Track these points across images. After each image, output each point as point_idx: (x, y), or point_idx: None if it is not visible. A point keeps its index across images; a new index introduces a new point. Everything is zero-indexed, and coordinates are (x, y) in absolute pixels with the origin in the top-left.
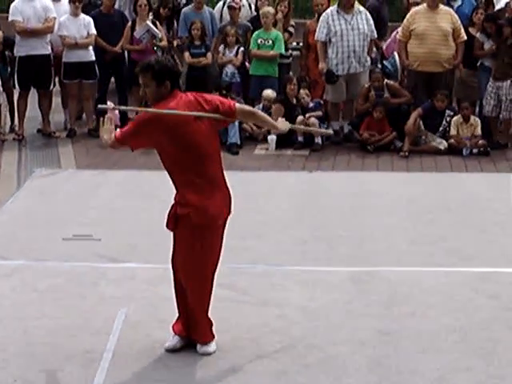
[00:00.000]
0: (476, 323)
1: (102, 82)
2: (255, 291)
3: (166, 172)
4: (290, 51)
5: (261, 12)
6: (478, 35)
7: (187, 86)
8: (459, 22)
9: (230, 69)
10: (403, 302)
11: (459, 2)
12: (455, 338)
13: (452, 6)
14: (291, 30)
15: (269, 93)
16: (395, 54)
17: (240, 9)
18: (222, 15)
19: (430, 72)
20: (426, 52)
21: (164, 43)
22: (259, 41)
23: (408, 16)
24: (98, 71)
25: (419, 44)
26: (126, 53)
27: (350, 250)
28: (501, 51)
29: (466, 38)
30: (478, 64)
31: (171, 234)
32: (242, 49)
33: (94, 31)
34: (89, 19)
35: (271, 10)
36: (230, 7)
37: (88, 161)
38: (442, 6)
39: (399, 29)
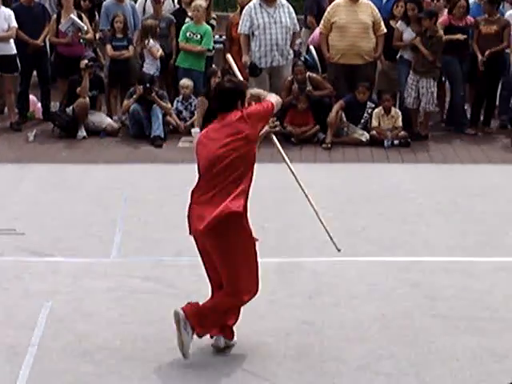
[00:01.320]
0: (398, 312)
1: (23, 75)
2: (180, 283)
3: (89, 165)
4: (212, 44)
5: (192, 5)
6: (397, 24)
7: (110, 79)
8: (379, 14)
9: (150, 61)
10: (327, 292)
11: None
12: (378, 327)
13: (381, 0)
14: (213, 22)
15: (185, 81)
16: (311, 47)
17: (163, 2)
18: (144, 8)
19: (351, 64)
20: (346, 45)
21: (90, 36)
22: (188, 34)
23: (329, 9)
24: (19, 64)
25: (340, 37)
26: (47, 46)
27: (273, 241)
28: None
29: (385, 30)
30: (398, 56)
31: (93, 227)
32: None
33: (14, 24)
34: (9, 12)
35: (203, 3)
36: (154, 0)
37: (10, 154)
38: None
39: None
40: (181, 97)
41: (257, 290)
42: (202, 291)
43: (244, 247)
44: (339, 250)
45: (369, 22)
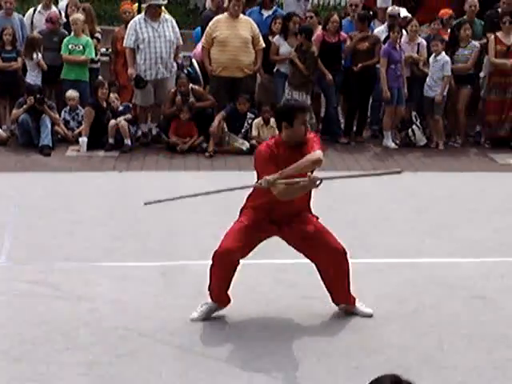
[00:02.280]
0: (277, 311)
1: None
2: (68, 287)
3: None
4: (99, 56)
5: (70, 19)
6: (274, 39)
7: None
8: (258, 30)
9: (35, 73)
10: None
11: (270, 12)
12: (258, 326)
13: (262, 15)
14: (98, 36)
15: (71, 93)
16: (193, 60)
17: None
18: (32, 21)
19: (232, 77)
20: (227, 58)
21: None
22: (70, 46)
23: (210, 24)
24: None
25: (221, 51)
26: None
27: (159, 245)
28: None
29: (264, 45)
30: (275, 70)
31: None
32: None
33: None
34: None
35: (81, 16)
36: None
37: None
38: (241, 16)
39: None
40: (68, 108)
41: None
42: (89, 294)
43: None
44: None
45: (248, 36)
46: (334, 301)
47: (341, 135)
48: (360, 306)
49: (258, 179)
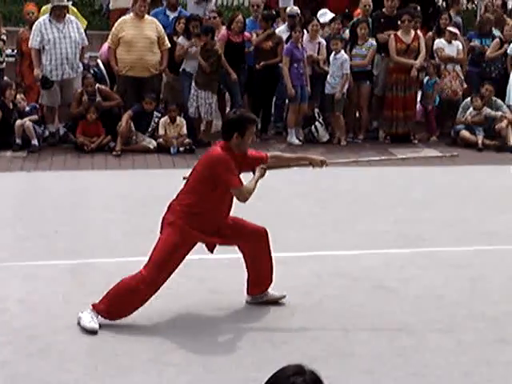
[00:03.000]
0: (186, 306)
1: None
2: None
3: None
4: (3, 58)
5: None
6: (179, 39)
7: None
8: (163, 31)
9: None
10: None
11: (176, 14)
12: (167, 321)
13: (168, 16)
14: (4, 37)
15: None
16: (99, 61)
17: None
18: None
19: (138, 77)
20: (134, 58)
21: None
22: None
23: (116, 24)
24: None
25: (127, 51)
26: None
27: (68, 244)
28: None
29: (169, 45)
30: (181, 69)
31: None
32: None
33: None
34: None
35: None
36: None
37: None
38: (147, 16)
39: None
40: None
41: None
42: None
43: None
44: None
45: (154, 37)
46: (248, 291)
47: None
48: (272, 291)
49: (216, 185)
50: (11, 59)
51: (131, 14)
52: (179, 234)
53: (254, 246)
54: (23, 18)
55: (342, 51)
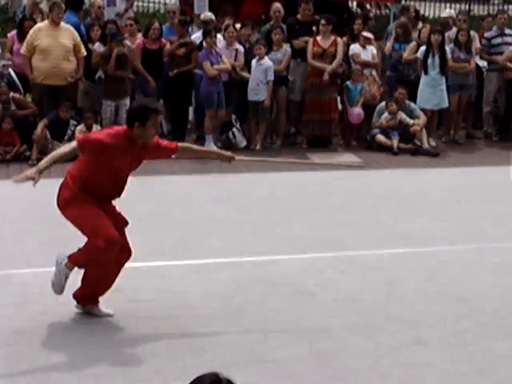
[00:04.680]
0: (103, 316)
1: None
2: None
3: None
4: None
5: None
6: (95, 46)
7: None
8: (79, 38)
9: None
10: (35, 301)
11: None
12: (84, 331)
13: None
14: None
15: None
16: (10, 70)
17: None
18: None
19: (54, 85)
20: (49, 66)
21: None
22: None
23: (31, 32)
24: None
25: (43, 59)
26: None
27: None
28: None
29: (85, 53)
30: (96, 77)
31: None
32: None
33: None
34: None
35: None
36: None
37: None
38: (62, 24)
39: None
40: None
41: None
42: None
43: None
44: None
45: (70, 45)
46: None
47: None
48: (102, 307)
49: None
50: None
51: (46, 22)
52: (78, 202)
53: (117, 263)
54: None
55: (266, 57)
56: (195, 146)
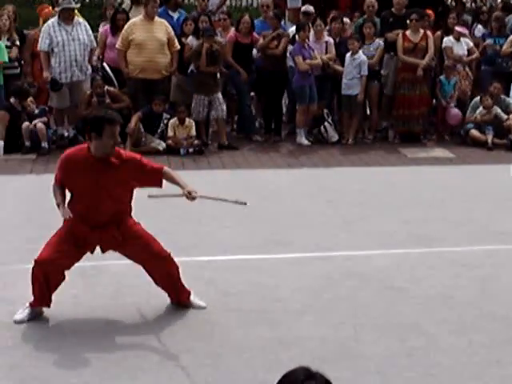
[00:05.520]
0: (196, 308)
1: None
2: None
3: None
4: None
5: None
6: (188, 40)
7: None
8: (173, 32)
9: None
10: (128, 293)
11: (178, 15)
12: (177, 323)
13: (172, 17)
14: (17, 42)
15: None
16: (104, 64)
17: None
18: None
19: (149, 79)
20: (144, 60)
21: None
22: None
23: (126, 26)
24: None
25: (138, 53)
26: None
27: None
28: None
29: (179, 46)
30: (189, 70)
31: None
32: None
33: None
34: None
35: None
36: None
37: None
38: (157, 18)
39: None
40: None
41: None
42: (8, 297)
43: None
44: (245, 203)
45: (164, 39)
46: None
47: (255, 133)
48: (194, 299)
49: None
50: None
51: (141, 16)
52: (64, 226)
53: (154, 270)
54: (33, 20)
55: (360, 52)
56: (176, 177)
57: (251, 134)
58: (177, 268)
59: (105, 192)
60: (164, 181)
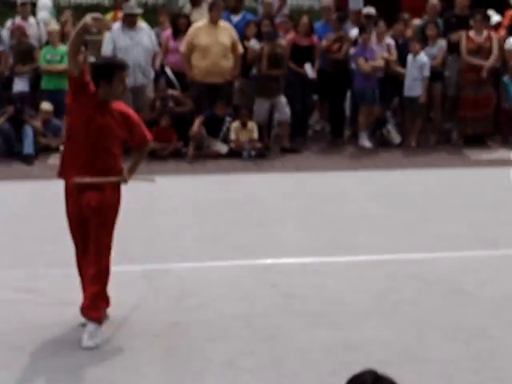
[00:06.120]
0: (259, 311)
1: None
2: (52, 293)
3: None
4: None
5: (47, 30)
6: (250, 43)
7: None
8: (237, 36)
9: (21, 82)
10: (192, 295)
11: (239, 17)
12: (240, 325)
13: (231, 21)
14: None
15: (44, 105)
16: (167, 68)
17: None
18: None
19: (212, 83)
20: (208, 65)
21: None
22: (48, 56)
23: (190, 31)
24: None
25: (202, 57)
26: None
27: (141, 249)
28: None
29: (242, 50)
30: (251, 74)
31: None
32: None
33: None
34: None
35: (55, 27)
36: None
37: None
38: (221, 22)
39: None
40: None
41: None
42: (74, 299)
43: None
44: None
45: (228, 43)
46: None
47: (304, 138)
48: (90, 326)
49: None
50: None
51: (205, 20)
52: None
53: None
54: None
55: (422, 53)
56: (137, 158)
57: (303, 136)
58: (101, 285)
59: (98, 134)
60: None
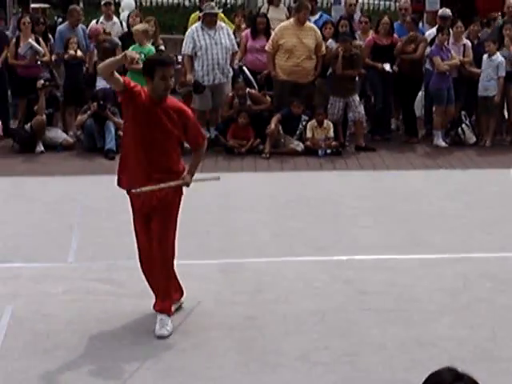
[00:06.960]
0: (333, 306)
1: None
2: (131, 284)
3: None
4: None
5: (133, 29)
6: (328, 43)
7: (65, 98)
8: (321, 37)
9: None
10: (267, 290)
11: (316, 17)
12: (315, 320)
13: (309, 20)
14: (162, 47)
15: None
16: (244, 68)
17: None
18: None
19: (295, 82)
20: (292, 65)
21: (47, 58)
22: None
23: (276, 31)
24: None
25: (287, 58)
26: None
27: (218, 244)
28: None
29: (325, 51)
30: (328, 73)
31: (51, 234)
32: None
33: None
34: None
35: (140, 27)
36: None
37: None
38: (307, 23)
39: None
40: None
41: None
42: (150, 291)
43: None
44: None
45: (313, 45)
46: None
47: (389, 134)
48: (161, 321)
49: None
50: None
51: (291, 21)
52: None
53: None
54: (176, 25)
55: (498, 53)
56: (196, 159)
57: (385, 136)
58: (167, 279)
59: (153, 132)
60: None
